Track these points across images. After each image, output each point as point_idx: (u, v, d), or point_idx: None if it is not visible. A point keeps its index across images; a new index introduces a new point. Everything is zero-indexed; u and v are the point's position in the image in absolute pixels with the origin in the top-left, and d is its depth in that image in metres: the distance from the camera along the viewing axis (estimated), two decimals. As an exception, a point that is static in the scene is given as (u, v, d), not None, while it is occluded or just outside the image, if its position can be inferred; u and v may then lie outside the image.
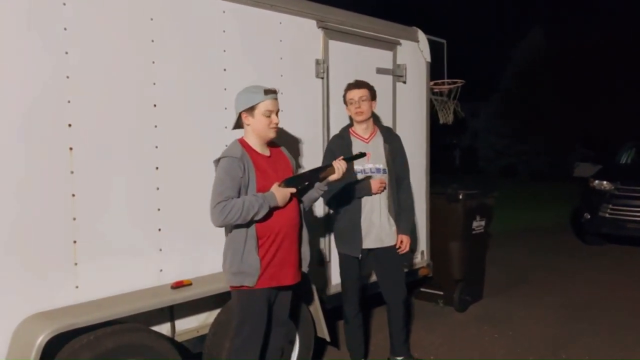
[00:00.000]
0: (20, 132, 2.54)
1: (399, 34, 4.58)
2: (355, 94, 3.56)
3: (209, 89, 3.27)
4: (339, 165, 2.90)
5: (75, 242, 2.73)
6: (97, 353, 2.55)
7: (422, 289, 5.50)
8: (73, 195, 2.72)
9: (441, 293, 5.36)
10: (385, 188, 3.58)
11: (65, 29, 2.67)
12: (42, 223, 2.62)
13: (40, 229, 2.62)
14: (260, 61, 3.54)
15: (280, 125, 3.63)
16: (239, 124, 2.84)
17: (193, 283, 3.08)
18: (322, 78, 3.91)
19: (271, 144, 2.94)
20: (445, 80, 7.32)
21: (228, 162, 2.69)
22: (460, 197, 5.18)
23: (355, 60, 4.16)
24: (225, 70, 3.35)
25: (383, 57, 4.42)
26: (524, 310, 5.26)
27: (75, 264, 2.74)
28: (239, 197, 2.67)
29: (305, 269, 2.97)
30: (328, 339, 3.62)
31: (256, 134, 2.80)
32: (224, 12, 3.32)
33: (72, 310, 2.64)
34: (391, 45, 4.49)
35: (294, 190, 2.76)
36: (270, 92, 2.78)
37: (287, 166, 2.95)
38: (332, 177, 2.93)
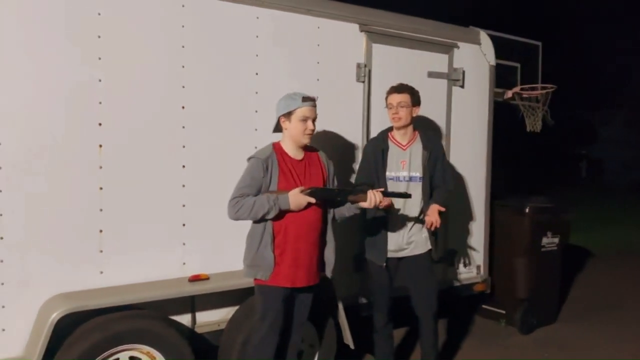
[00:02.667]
0: (55, 130, 2.84)
1: (457, 36, 4.38)
2: (395, 98, 3.47)
3: (239, 92, 3.39)
4: (373, 195, 2.87)
5: (101, 231, 2.98)
6: (107, 335, 2.77)
7: (484, 306, 5.19)
8: (100, 188, 2.97)
9: (503, 312, 5.02)
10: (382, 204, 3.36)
11: (99, 36, 2.93)
12: (71, 212, 2.90)
13: (70, 218, 2.89)
14: (295, 65, 3.59)
15: (319, 128, 3.70)
16: (278, 128, 2.97)
17: (210, 278, 3.21)
18: (363, 82, 3.87)
19: (309, 148, 3.02)
20: (538, 85, 6.90)
21: (253, 162, 2.87)
22: (527, 210, 4.82)
23: (402, 63, 4.05)
24: (257, 74, 3.45)
25: (437, 61, 4.26)
26: (599, 339, 4.75)
27: (101, 251, 2.99)
28: (256, 195, 2.79)
29: (328, 274, 3.00)
30: (352, 346, 3.57)
31: (291, 138, 2.91)
32: (257, 18, 3.42)
33: (90, 293, 2.89)
34: (447, 48, 4.30)
35: (312, 200, 2.79)
36: (309, 100, 2.88)
37: (319, 171, 3.00)
38: (363, 204, 2.92)
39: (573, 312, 5.49)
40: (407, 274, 3.56)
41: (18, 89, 2.74)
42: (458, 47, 4.37)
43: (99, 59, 2.94)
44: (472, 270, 4.65)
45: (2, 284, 2.74)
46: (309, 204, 2.81)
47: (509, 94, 7.23)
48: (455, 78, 4.35)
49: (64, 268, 2.89)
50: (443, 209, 3.41)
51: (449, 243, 4.46)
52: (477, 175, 4.61)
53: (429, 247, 3.55)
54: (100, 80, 2.94)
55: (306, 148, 2.99)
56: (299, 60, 3.61)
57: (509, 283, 4.93)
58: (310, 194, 2.75)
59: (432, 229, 3.41)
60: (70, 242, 2.90)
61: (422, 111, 4.16)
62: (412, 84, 3.96)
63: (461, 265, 4.56)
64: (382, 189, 2.96)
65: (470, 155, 4.53)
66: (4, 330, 2.75)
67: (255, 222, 2.83)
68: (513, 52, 7.57)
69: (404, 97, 3.43)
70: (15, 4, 2.71)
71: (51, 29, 2.80)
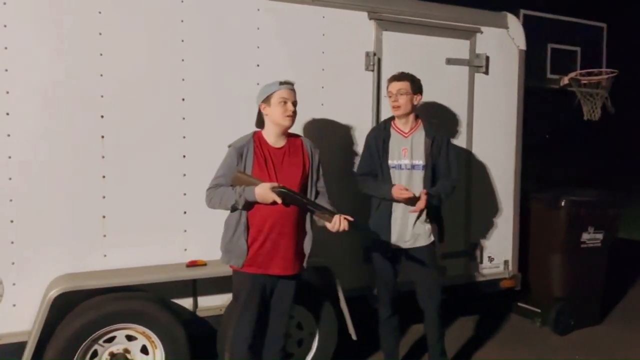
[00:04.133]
0: (60, 123, 3.06)
1: (480, 20, 4.18)
2: (394, 86, 3.41)
3: (240, 84, 3.46)
4: (338, 221, 2.78)
5: (104, 217, 3.18)
6: (101, 313, 2.96)
7: (519, 304, 4.95)
8: (103, 176, 3.17)
9: (539, 311, 4.76)
10: (408, 196, 3.28)
11: (100, 33, 3.11)
12: (76, 199, 3.11)
13: (75, 204, 3.11)
14: (298, 56, 3.61)
15: (323, 118, 3.71)
16: (260, 119, 2.99)
17: (208, 264, 3.32)
18: (372, 70, 3.81)
19: (292, 136, 3.03)
20: (601, 70, 6.48)
21: (229, 152, 2.93)
22: (562, 203, 4.52)
23: (417, 50, 3.94)
24: (258, 65, 3.50)
25: (457, 47, 4.10)
26: (642, 344, 4.39)
27: (104, 235, 3.19)
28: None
29: (304, 264, 3.00)
30: (354, 337, 3.55)
31: (273, 123, 2.92)
32: (258, 10, 3.47)
33: (92, 274, 3.09)
34: (468, 34, 4.13)
35: (278, 200, 2.74)
36: (286, 83, 2.92)
37: (299, 160, 2.98)
38: (327, 225, 2.84)
39: (625, 314, 5.10)
40: (411, 267, 3.49)
41: (26, 86, 2.98)
42: (481, 32, 4.17)
43: (101, 55, 3.12)
44: (498, 265, 4.45)
45: (13, 263, 3.00)
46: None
47: (565, 80, 6.81)
48: (477, 64, 4.16)
49: (70, 250, 3.12)
50: (423, 196, 3.22)
51: (471, 236, 4.30)
52: (504, 166, 4.39)
53: (432, 239, 3.45)
54: (101, 75, 3.13)
55: (289, 136, 2.99)
56: (302, 50, 3.62)
57: (545, 281, 4.67)
58: (280, 194, 2.73)
59: (414, 211, 3.26)
60: (75, 227, 3.12)
61: (441, 99, 4.08)
62: (428, 72, 3.89)
63: (485, 260, 4.38)
64: (353, 219, 2.83)
65: (496, 145, 4.33)
66: (14, 305, 3.01)
67: (232, 210, 2.88)
68: (573, 35, 7.10)
69: (404, 85, 3.35)
70: (23, 7, 2.95)
71: (55, 28, 3.02)
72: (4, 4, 2.91)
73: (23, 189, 3.00)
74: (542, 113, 6.52)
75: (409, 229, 3.42)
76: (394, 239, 3.43)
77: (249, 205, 2.81)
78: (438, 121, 3.55)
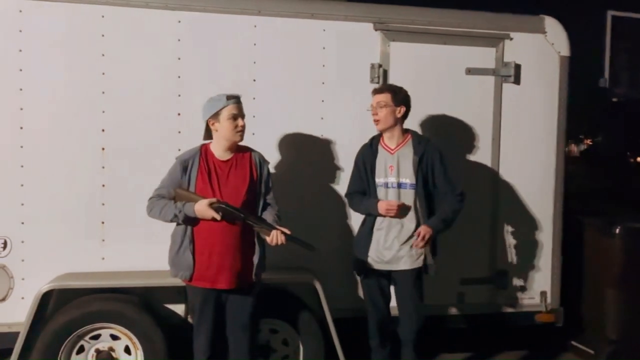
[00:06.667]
0: (65, 136, 3.39)
1: (508, 25, 3.81)
2: (374, 99, 3.27)
3: (235, 98, 3.54)
4: (275, 236, 2.78)
5: (103, 222, 3.45)
6: (83, 312, 3.20)
7: (573, 343, 4.36)
8: (103, 185, 3.44)
9: (592, 352, 4.16)
10: (395, 213, 3.15)
11: (103, 55, 3.40)
12: (78, 206, 3.42)
13: (77, 210, 3.42)
14: (296, 70, 3.60)
15: (324, 133, 3.66)
16: (208, 133, 3.01)
17: (194, 273, 3.41)
18: (377, 83, 3.66)
19: (241, 149, 3.02)
20: None
21: (174, 164, 2.99)
22: (617, 231, 3.92)
23: (430, 61, 3.72)
24: (254, 80, 3.56)
25: (480, 55, 3.78)
26: None
27: (103, 240, 3.45)
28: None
29: (252, 277, 2.96)
30: (341, 359, 3.41)
31: (224, 139, 2.95)
32: (255, 26, 3.54)
33: (83, 275, 3.35)
34: (494, 41, 3.78)
35: (217, 216, 2.75)
36: (233, 98, 2.93)
37: (246, 173, 2.96)
38: (266, 239, 2.84)
39: None
40: (395, 291, 3.28)
41: (38, 103, 3.35)
42: (510, 38, 3.81)
43: (103, 74, 3.41)
44: (533, 296, 3.97)
45: (23, 260, 3.37)
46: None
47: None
48: (505, 74, 3.79)
49: (73, 252, 3.42)
50: (430, 233, 3.15)
51: (497, 262, 3.90)
52: (540, 185, 3.93)
53: (419, 264, 3.20)
54: (103, 92, 3.41)
55: (238, 148, 2.97)
56: (300, 64, 3.61)
57: (598, 319, 4.08)
58: (219, 209, 2.73)
59: (418, 246, 3.16)
60: (78, 230, 3.42)
61: (460, 112, 3.82)
62: (445, 82, 3.74)
63: (516, 289, 3.94)
64: (289, 232, 2.79)
65: (529, 162, 3.90)
66: (23, 298, 3.37)
67: (178, 224, 2.91)
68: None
69: (384, 97, 3.20)
70: (35, 36, 3.33)
71: (60, 51, 3.36)
72: (20, 31, 3.31)
73: (33, 194, 3.36)
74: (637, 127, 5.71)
75: (392, 250, 3.21)
76: (371, 258, 3.25)
77: (192, 220, 2.83)
78: (429, 136, 3.30)
